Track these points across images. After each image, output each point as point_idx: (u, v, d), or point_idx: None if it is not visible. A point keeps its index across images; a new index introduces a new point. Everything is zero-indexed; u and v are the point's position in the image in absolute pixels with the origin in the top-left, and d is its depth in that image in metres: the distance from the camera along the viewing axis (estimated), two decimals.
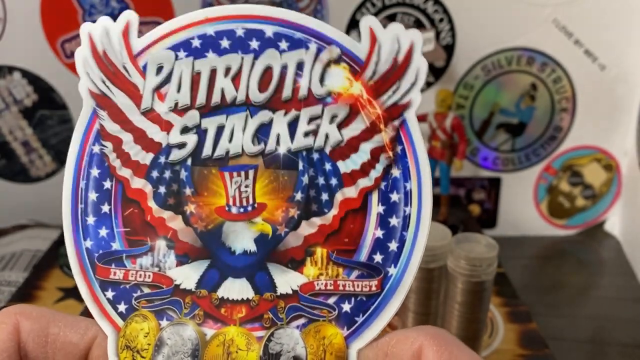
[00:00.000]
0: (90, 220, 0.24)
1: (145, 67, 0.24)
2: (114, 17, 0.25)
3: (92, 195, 0.24)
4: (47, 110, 0.79)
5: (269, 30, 0.24)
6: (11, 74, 0.76)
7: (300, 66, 0.24)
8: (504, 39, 0.77)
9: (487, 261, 0.45)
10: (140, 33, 0.25)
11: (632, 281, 0.75)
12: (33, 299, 0.62)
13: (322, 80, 0.24)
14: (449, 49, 0.77)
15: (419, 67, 0.23)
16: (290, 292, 0.23)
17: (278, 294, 0.24)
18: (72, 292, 0.63)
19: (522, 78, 0.79)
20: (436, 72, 0.79)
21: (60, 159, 0.82)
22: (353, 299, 0.23)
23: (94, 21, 0.25)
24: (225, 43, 0.24)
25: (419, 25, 0.76)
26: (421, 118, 0.73)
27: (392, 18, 0.76)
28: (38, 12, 0.73)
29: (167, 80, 0.24)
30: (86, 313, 0.25)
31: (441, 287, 0.49)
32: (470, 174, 0.84)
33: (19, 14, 0.73)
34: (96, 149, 0.25)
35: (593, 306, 0.72)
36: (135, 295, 0.24)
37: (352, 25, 0.76)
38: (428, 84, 0.79)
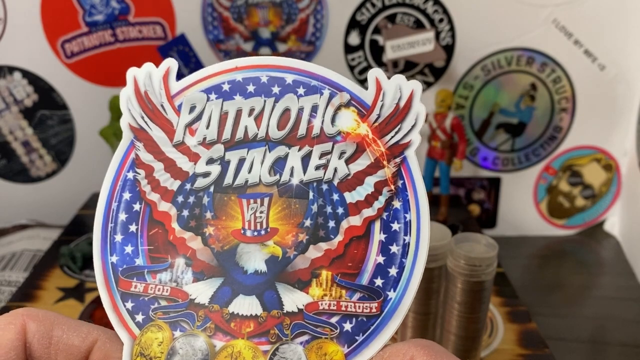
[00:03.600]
0: (118, 238, 0.27)
1: (180, 106, 0.28)
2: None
3: (122, 216, 0.27)
4: (47, 110, 0.79)
5: (289, 78, 0.27)
6: (11, 74, 0.76)
7: (314, 109, 0.27)
8: (504, 39, 0.77)
9: (487, 261, 0.45)
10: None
11: (631, 281, 0.75)
12: (33, 299, 0.62)
13: (333, 121, 0.27)
14: (449, 49, 0.77)
15: (419, 112, 0.26)
16: (296, 310, 0.25)
17: (284, 311, 0.25)
18: (72, 292, 0.63)
19: (521, 78, 0.79)
20: (436, 72, 0.79)
21: (60, 159, 0.82)
22: (354, 319, 0.25)
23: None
24: (251, 88, 0.27)
25: (418, 25, 0.76)
26: None
27: (392, 18, 0.76)
28: (38, 12, 0.73)
29: (199, 117, 0.27)
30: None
31: (441, 287, 0.49)
32: (470, 174, 0.84)
33: (19, 14, 0.73)
34: (130, 175, 0.28)
35: (593, 306, 0.72)
36: (152, 307, 0.26)
37: (352, 25, 0.76)
38: (428, 84, 0.79)
